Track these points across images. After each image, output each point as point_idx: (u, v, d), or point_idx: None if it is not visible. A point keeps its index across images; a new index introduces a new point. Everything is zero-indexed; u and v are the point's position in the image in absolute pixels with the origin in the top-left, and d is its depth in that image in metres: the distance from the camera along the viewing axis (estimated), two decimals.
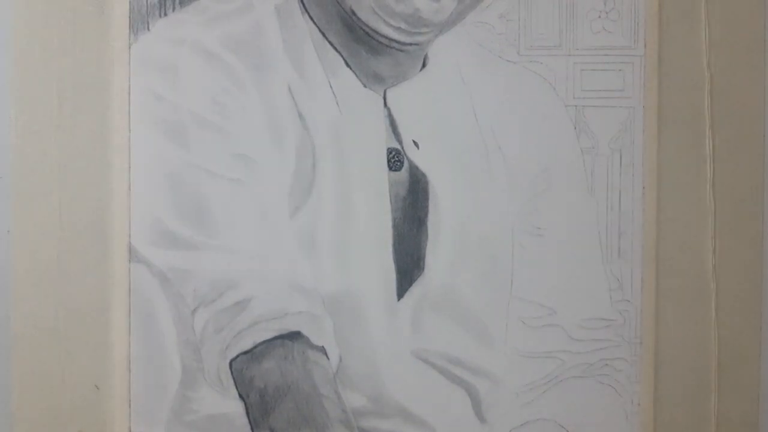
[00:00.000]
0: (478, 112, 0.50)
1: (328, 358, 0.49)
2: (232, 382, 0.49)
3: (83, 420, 0.49)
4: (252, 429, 0.49)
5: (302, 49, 0.49)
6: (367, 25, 0.49)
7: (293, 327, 0.49)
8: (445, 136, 0.50)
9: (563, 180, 0.50)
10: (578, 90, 0.50)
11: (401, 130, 0.50)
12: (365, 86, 0.50)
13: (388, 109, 0.50)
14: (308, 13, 0.50)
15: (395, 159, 0.50)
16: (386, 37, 0.49)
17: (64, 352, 0.49)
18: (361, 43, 0.49)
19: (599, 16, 0.50)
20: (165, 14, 0.49)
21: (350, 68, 0.50)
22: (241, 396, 0.49)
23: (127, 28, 0.49)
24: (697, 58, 0.50)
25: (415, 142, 0.50)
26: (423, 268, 0.50)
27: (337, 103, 0.50)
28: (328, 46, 0.50)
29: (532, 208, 0.50)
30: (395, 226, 0.50)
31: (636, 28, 0.50)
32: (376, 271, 0.50)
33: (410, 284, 0.50)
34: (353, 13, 0.49)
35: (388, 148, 0.50)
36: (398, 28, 0.49)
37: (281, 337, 0.49)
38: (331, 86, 0.50)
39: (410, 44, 0.49)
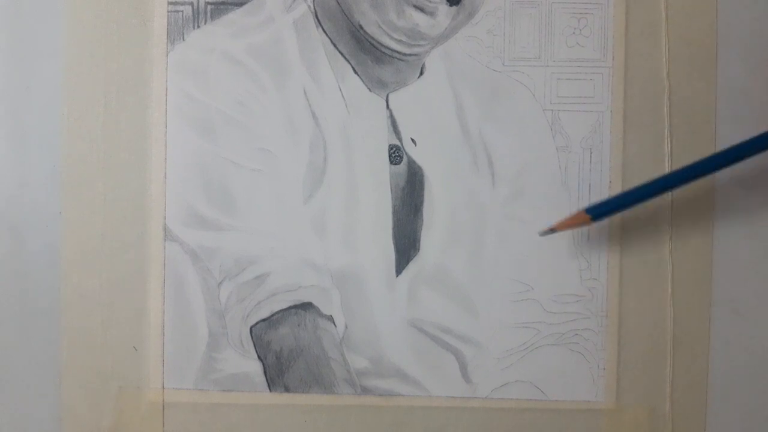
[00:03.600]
0: (467, 115, 0.52)
1: (335, 326, 0.53)
2: (252, 345, 0.52)
3: (123, 377, 0.53)
4: (269, 386, 0.53)
5: (316, 58, 0.52)
6: (373, 38, 0.52)
7: (305, 298, 0.52)
8: (439, 135, 0.53)
9: (540, 174, 0.53)
10: (554, 96, 0.53)
11: (401, 129, 0.53)
12: (370, 90, 0.53)
13: (390, 111, 0.53)
14: (321, 27, 0.52)
15: (395, 154, 0.53)
16: (389, 48, 0.52)
17: (106, 318, 0.53)
18: (367, 53, 0.53)
19: (573, 33, 0.52)
20: (198, 26, 0.53)
21: (357, 75, 0.53)
22: (259, 357, 0.53)
23: (165, 38, 0.52)
24: (658, 70, 0.52)
25: (412, 140, 0.53)
26: (418, 249, 0.53)
27: (345, 105, 0.53)
28: (339, 55, 0.53)
29: (513, 199, 0.52)
30: (395, 212, 0.53)
31: (605, 44, 0.52)
32: (377, 251, 0.53)
33: (407, 263, 0.53)
34: (360, 27, 0.52)
35: (390, 145, 0.53)
36: (399, 41, 0.52)
37: (295, 307, 0.52)
38: (340, 90, 0.53)
39: (410, 55, 0.52)
